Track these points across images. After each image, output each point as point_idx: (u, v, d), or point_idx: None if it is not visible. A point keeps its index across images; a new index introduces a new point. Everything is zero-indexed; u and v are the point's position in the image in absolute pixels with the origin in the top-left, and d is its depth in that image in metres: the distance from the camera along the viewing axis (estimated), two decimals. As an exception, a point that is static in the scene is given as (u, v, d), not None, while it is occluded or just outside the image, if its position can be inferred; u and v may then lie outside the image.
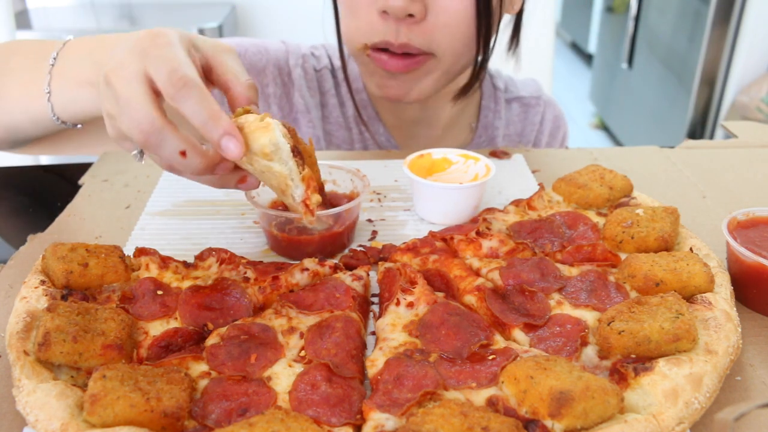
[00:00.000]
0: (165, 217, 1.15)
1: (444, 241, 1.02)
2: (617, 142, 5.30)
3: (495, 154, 1.39)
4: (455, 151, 1.19)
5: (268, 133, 0.82)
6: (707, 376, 0.70)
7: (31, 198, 1.32)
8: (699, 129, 4.12)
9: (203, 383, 0.73)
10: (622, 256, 0.93)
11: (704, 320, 0.78)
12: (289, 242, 1.03)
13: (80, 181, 1.27)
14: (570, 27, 7.57)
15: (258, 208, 1.02)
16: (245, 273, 0.91)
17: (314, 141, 1.47)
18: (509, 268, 0.92)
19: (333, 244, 1.04)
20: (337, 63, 1.58)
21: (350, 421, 0.68)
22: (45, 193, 1.33)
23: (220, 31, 3.27)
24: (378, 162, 1.35)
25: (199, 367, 0.75)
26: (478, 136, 1.64)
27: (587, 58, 6.91)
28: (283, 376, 0.74)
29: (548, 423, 0.64)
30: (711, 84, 3.95)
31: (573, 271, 0.92)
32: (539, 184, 1.15)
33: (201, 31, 3.19)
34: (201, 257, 0.95)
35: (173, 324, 0.82)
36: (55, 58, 1.07)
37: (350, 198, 1.09)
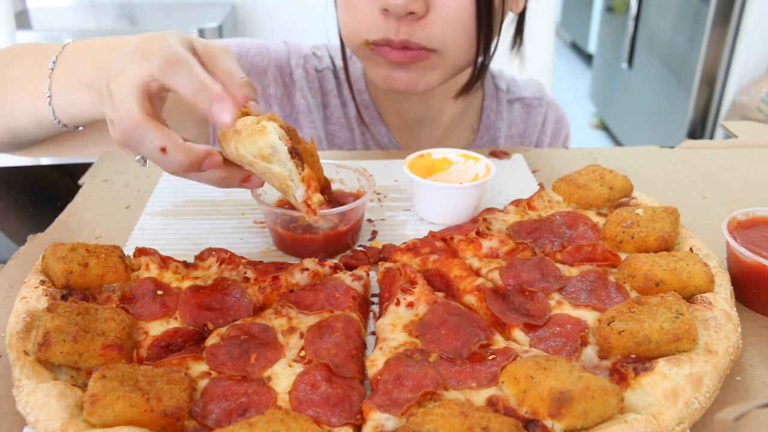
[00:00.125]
0: (165, 217, 1.15)
1: (444, 241, 1.02)
2: (617, 142, 5.30)
3: (495, 154, 1.39)
4: (455, 151, 1.19)
5: (264, 137, 0.83)
6: (707, 376, 0.70)
7: (31, 197, 1.32)
8: (699, 129, 4.12)
9: (203, 383, 0.73)
10: (622, 256, 0.93)
11: (704, 320, 0.78)
12: (294, 240, 1.03)
13: (80, 181, 1.27)
14: (570, 27, 7.57)
15: (262, 206, 1.02)
16: (245, 273, 0.91)
17: (316, 142, 1.47)
18: (509, 268, 0.92)
19: (337, 243, 1.04)
20: (340, 63, 1.57)
21: (350, 421, 0.68)
22: (45, 192, 1.33)
23: (220, 31, 3.27)
24: (378, 162, 1.35)
25: (199, 367, 0.75)
26: (480, 137, 1.64)
27: (587, 58, 6.91)
28: (283, 376, 0.74)
29: (548, 423, 0.64)
30: (711, 84, 3.95)
31: (573, 271, 0.92)
32: (539, 184, 1.15)
33: (201, 31, 3.19)
34: (201, 257, 0.95)
35: (173, 324, 0.82)
36: (54, 62, 1.07)
37: (356, 197, 1.10)
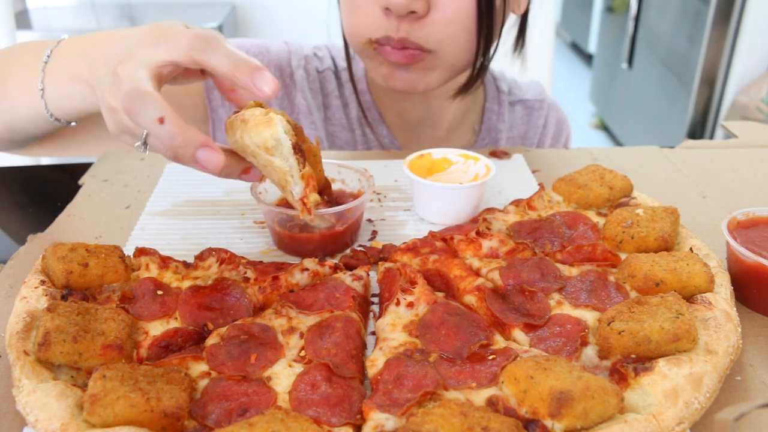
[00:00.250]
0: (165, 217, 1.15)
1: (444, 241, 1.02)
2: (617, 142, 5.30)
3: (495, 154, 1.39)
4: (455, 151, 1.19)
5: (270, 128, 0.83)
6: (707, 376, 0.70)
7: (31, 197, 1.32)
8: (699, 129, 4.12)
9: (203, 383, 0.73)
10: (622, 256, 0.93)
11: (704, 320, 0.78)
12: (291, 239, 1.03)
13: (80, 181, 1.27)
14: (570, 27, 7.56)
15: (261, 205, 1.02)
16: (245, 273, 0.91)
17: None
18: (509, 268, 0.92)
19: (335, 243, 1.04)
20: (341, 64, 1.57)
21: (350, 421, 0.68)
22: (45, 192, 1.33)
23: (220, 31, 3.27)
24: (378, 162, 1.35)
25: (199, 367, 0.75)
26: (481, 139, 1.64)
27: (587, 58, 6.91)
28: (283, 376, 0.74)
29: (548, 423, 0.64)
30: (711, 84, 3.95)
31: (573, 271, 0.92)
32: (539, 184, 1.15)
33: (201, 31, 3.18)
34: (201, 257, 0.95)
35: (173, 324, 0.82)
36: (48, 56, 1.07)
37: (356, 197, 1.10)
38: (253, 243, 1.08)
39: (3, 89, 1.16)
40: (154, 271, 0.91)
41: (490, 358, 0.75)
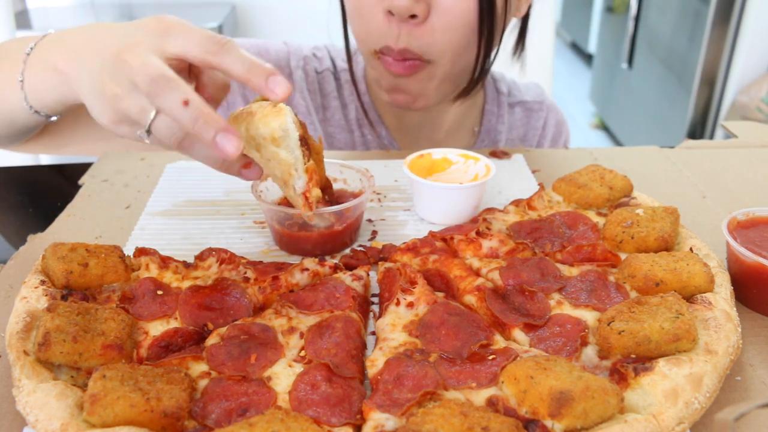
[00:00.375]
0: (165, 217, 1.15)
1: (444, 241, 1.02)
2: (617, 142, 5.30)
3: (495, 154, 1.39)
4: (455, 151, 1.19)
5: (279, 118, 0.84)
6: (707, 376, 0.70)
7: (31, 197, 1.32)
8: (699, 129, 4.12)
9: (203, 383, 0.73)
10: (622, 256, 0.93)
11: (704, 320, 0.78)
12: (290, 237, 1.03)
13: (80, 181, 1.27)
14: (570, 27, 7.56)
15: (262, 204, 1.03)
16: (245, 273, 0.91)
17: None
18: (509, 268, 0.92)
19: (333, 242, 1.04)
20: (340, 65, 1.58)
21: (350, 421, 0.68)
22: (45, 192, 1.33)
23: (220, 31, 3.26)
24: (378, 162, 1.35)
25: (199, 367, 0.75)
26: (480, 140, 1.64)
27: (587, 58, 6.91)
28: (283, 376, 0.74)
29: (548, 423, 0.64)
30: (711, 84, 3.95)
31: (573, 271, 0.92)
32: (539, 184, 1.15)
33: (201, 31, 3.18)
34: (201, 257, 0.95)
35: (173, 324, 0.82)
36: (32, 48, 1.07)
37: (357, 197, 1.10)
38: (253, 243, 1.08)
39: None
40: (154, 271, 0.91)
41: (490, 358, 0.75)
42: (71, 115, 1.20)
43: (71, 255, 0.85)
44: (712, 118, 4.04)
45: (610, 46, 5.54)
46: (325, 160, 1.10)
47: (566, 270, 0.92)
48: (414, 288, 0.87)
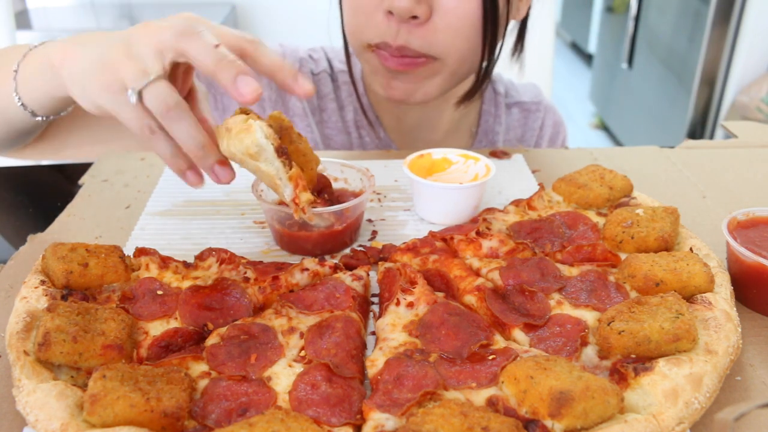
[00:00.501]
0: (165, 217, 1.15)
1: (444, 241, 1.02)
2: (617, 142, 5.30)
3: (495, 154, 1.39)
4: (455, 151, 1.19)
5: (250, 135, 0.85)
6: (707, 376, 0.70)
7: (31, 197, 1.32)
8: (699, 129, 4.12)
9: (203, 383, 0.73)
10: (622, 256, 0.93)
11: (704, 320, 0.78)
12: (290, 237, 1.03)
13: (80, 181, 1.27)
14: (570, 27, 7.56)
15: (261, 203, 1.03)
16: (245, 273, 0.91)
17: (311, 145, 1.49)
18: (509, 268, 0.92)
19: (333, 242, 1.04)
20: (337, 66, 1.57)
21: (350, 421, 0.68)
22: (45, 192, 1.33)
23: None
24: (378, 162, 1.35)
25: (199, 367, 0.75)
26: (478, 141, 1.64)
27: (587, 58, 6.91)
28: (283, 376, 0.74)
29: (548, 423, 0.64)
30: (711, 84, 3.95)
31: (573, 271, 0.92)
32: (539, 184, 1.15)
33: (201, 31, 3.18)
34: (201, 257, 0.95)
35: (173, 324, 0.82)
36: (30, 49, 1.08)
37: (357, 197, 1.10)
38: (253, 243, 1.08)
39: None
40: (154, 271, 0.91)
41: (490, 358, 0.75)
42: (66, 121, 1.20)
43: (71, 255, 0.85)
44: (712, 118, 4.04)
45: (610, 46, 5.54)
46: (325, 159, 1.11)
47: (566, 270, 0.92)
48: (414, 288, 0.87)
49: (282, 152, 0.86)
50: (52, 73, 1.01)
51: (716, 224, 1.11)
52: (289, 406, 0.70)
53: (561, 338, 0.79)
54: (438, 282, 0.93)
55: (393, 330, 0.81)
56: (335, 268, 0.95)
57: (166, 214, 1.16)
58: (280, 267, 0.94)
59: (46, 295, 0.81)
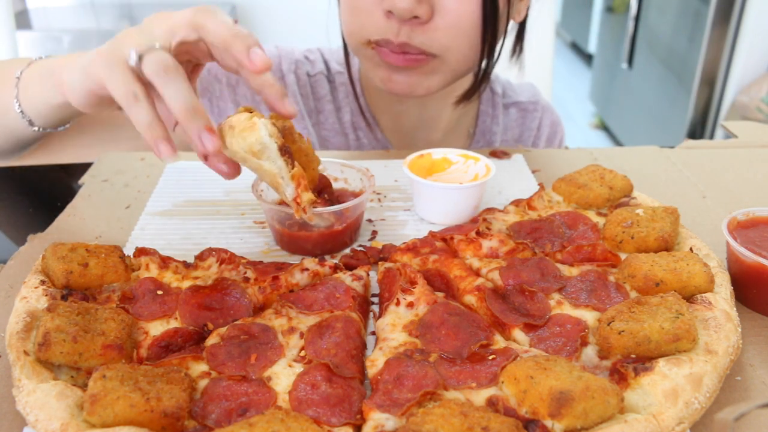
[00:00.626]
0: (165, 217, 1.15)
1: (444, 241, 1.02)
2: (617, 142, 5.30)
3: (495, 154, 1.39)
4: (455, 151, 1.19)
5: (254, 133, 0.84)
6: (707, 376, 0.70)
7: (31, 197, 1.32)
8: (699, 129, 4.12)
9: (203, 383, 0.73)
10: (622, 256, 0.93)
11: (704, 320, 0.78)
12: (290, 237, 1.04)
13: (80, 181, 1.27)
14: (570, 27, 7.56)
15: (262, 203, 1.03)
16: (245, 273, 0.91)
17: None
18: (509, 268, 0.92)
19: (333, 242, 1.04)
20: (334, 67, 1.57)
21: (350, 421, 0.68)
22: (45, 192, 1.33)
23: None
24: (378, 162, 1.35)
25: (199, 367, 0.75)
26: (475, 142, 1.64)
27: (587, 58, 6.91)
28: (283, 376, 0.74)
29: (548, 423, 0.64)
30: (711, 84, 3.94)
31: (573, 271, 0.92)
32: (539, 184, 1.15)
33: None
34: (201, 257, 0.95)
35: (173, 324, 0.82)
36: (36, 60, 1.09)
37: (357, 197, 1.10)
38: (253, 243, 1.08)
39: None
40: (154, 271, 0.91)
41: (490, 358, 0.75)
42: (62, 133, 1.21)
43: (71, 255, 0.85)
44: (712, 118, 4.04)
45: (610, 46, 5.54)
46: (326, 159, 1.10)
47: (566, 270, 0.92)
48: (414, 288, 0.87)
49: (285, 151, 0.86)
50: (52, 80, 1.02)
51: (716, 224, 1.11)
52: (289, 406, 0.70)
53: (561, 338, 0.79)
54: (438, 282, 0.93)
55: (393, 330, 0.81)
56: (335, 268, 0.95)
57: (166, 214, 1.16)
58: (280, 267, 0.94)
59: (46, 295, 0.81)
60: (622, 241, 0.95)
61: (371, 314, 0.91)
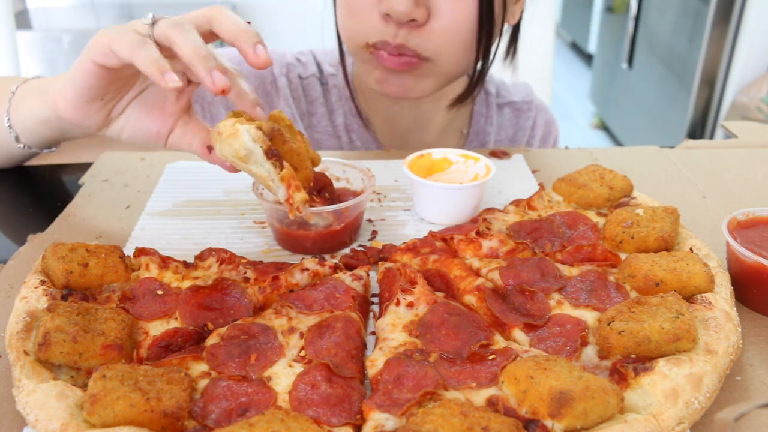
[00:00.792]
0: (165, 217, 1.15)
1: (444, 241, 1.02)
2: (617, 142, 5.30)
3: (495, 154, 1.39)
4: (455, 151, 1.19)
5: (237, 139, 0.86)
6: (707, 376, 0.70)
7: (31, 197, 1.32)
8: (699, 129, 4.12)
9: (203, 383, 0.73)
10: (622, 256, 0.93)
11: (704, 320, 0.78)
12: (289, 236, 1.04)
13: (80, 181, 1.27)
14: (570, 27, 7.57)
15: (262, 201, 1.03)
16: (245, 273, 0.91)
17: None
18: (509, 268, 0.92)
19: (332, 241, 1.04)
20: (327, 69, 1.57)
21: (350, 421, 0.68)
22: (45, 192, 1.33)
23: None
24: (378, 162, 1.35)
25: (199, 367, 0.75)
26: (469, 142, 1.64)
27: (587, 58, 6.91)
28: (283, 376, 0.74)
29: (548, 423, 0.64)
30: (711, 84, 3.95)
31: (573, 271, 0.92)
32: (539, 184, 1.15)
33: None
34: (201, 257, 0.95)
35: (173, 324, 0.82)
36: (35, 77, 1.12)
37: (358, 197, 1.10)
38: (253, 243, 1.08)
39: None
40: (154, 271, 0.91)
41: (490, 358, 0.75)
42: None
43: (71, 255, 0.85)
44: (712, 118, 4.04)
45: (610, 46, 5.54)
46: (328, 159, 1.11)
47: (566, 270, 0.92)
48: (414, 288, 0.87)
49: (272, 154, 0.87)
50: (43, 96, 1.04)
51: (716, 224, 1.11)
52: (289, 406, 0.70)
53: (561, 338, 0.79)
54: (438, 282, 0.93)
55: (393, 330, 0.81)
56: (335, 268, 0.95)
57: (166, 214, 1.16)
58: (280, 267, 0.94)
59: (46, 295, 0.81)
60: (622, 241, 0.95)
61: (371, 314, 0.91)
